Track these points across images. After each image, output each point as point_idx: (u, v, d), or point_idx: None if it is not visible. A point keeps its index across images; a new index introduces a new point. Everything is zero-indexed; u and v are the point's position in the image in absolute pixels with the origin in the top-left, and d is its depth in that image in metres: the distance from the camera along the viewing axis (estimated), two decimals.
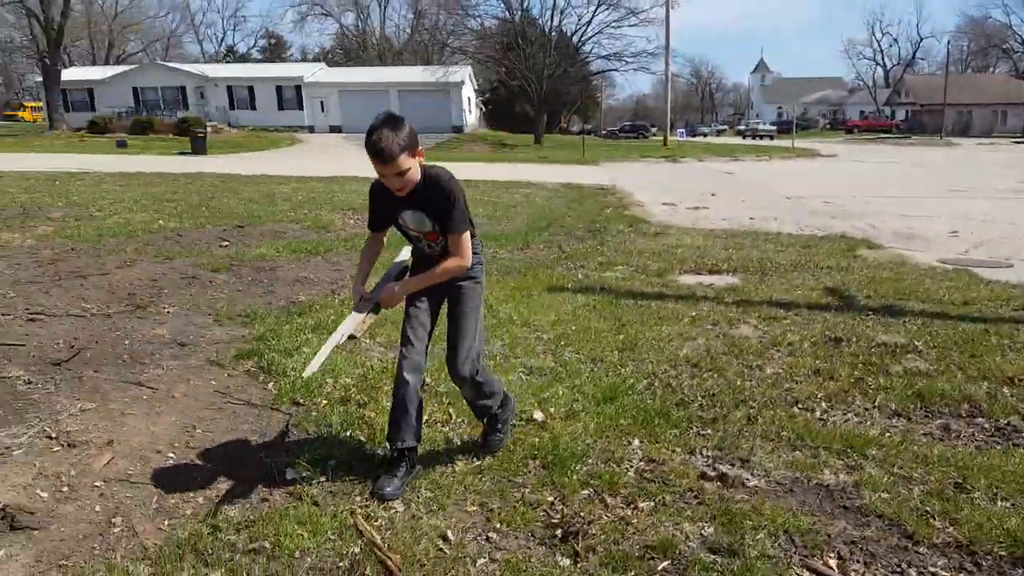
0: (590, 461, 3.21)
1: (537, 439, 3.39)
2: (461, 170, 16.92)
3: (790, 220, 10.98)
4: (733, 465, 3.22)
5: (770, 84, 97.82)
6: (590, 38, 41.89)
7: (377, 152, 2.53)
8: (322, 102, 44.72)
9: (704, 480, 3.09)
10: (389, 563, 2.41)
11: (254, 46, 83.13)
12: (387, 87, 44.88)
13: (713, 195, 14.80)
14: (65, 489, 2.79)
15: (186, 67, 46.56)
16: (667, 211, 12.16)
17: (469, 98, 48.45)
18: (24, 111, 53.95)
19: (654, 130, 54.78)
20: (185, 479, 2.95)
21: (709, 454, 3.32)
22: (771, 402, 3.87)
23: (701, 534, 2.68)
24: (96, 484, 2.84)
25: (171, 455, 3.14)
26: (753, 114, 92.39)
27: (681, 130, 44.25)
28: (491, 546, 2.60)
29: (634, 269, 7.23)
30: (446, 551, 2.52)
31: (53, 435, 3.15)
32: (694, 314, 5.56)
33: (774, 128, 59.82)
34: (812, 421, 3.63)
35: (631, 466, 3.19)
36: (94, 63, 56.29)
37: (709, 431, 3.54)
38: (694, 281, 6.74)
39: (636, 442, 3.43)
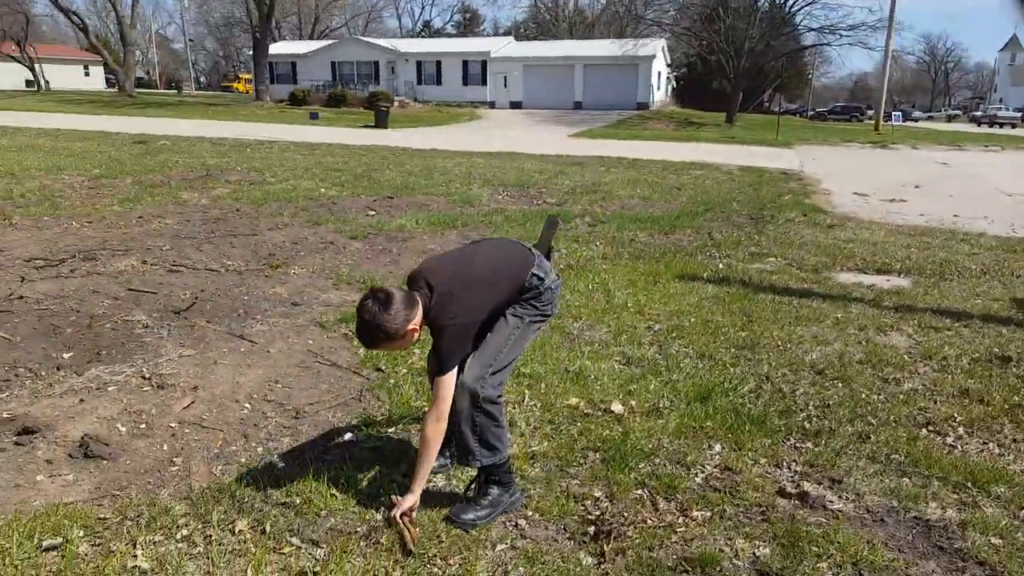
0: (656, 461, 3.08)
1: (607, 431, 3.30)
2: (637, 148, 16.72)
3: (1004, 221, 9.63)
4: (820, 484, 2.94)
5: (1021, 64, 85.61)
6: (802, 8, 39.12)
7: (360, 336, 2.42)
8: (505, 77, 45.87)
9: (780, 496, 2.86)
10: (406, 535, 2.48)
11: (449, 20, 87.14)
12: (572, 62, 45.04)
13: (917, 187, 13.34)
14: (142, 426, 3.16)
15: (380, 42, 49.73)
16: (855, 202, 11.16)
17: (660, 73, 47.33)
18: (238, 83, 60.70)
19: (870, 113, 50.28)
20: (250, 429, 3.22)
21: (797, 469, 3.05)
22: (895, 421, 3.47)
23: (753, 554, 2.49)
24: (171, 425, 3.19)
25: (247, 406, 3.44)
26: (996, 99, 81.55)
27: (896, 113, 39.96)
28: (516, 533, 2.58)
29: (787, 262, 6.74)
30: (469, 531, 2.55)
31: (147, 376, 3.58)
32: (839, 316, 5.09)
33: (1018, 115, 52.44)
34: (937, 447, 3.20)
35: (701, 471, 3.02)
36: (300, 37, 61.96)
37: (808, 445, 3.26)
38: (853, 280, 6.16)
39: (717, 447, 3.23)
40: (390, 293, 2.38)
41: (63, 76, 54.96)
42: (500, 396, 2.60)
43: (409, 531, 2.49)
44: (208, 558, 2.36)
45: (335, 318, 4.66)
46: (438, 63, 47.27)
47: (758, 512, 2.74)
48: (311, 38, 58.64)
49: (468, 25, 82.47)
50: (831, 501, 2.81)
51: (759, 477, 2.97)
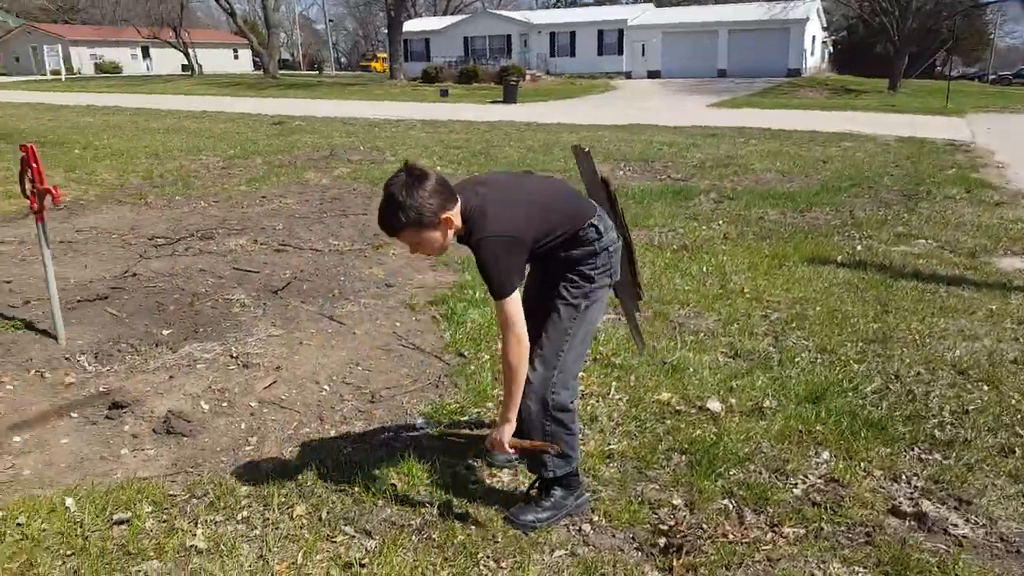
0: (751, 467, 2.85)
1: (698, 432, 3.10)
2: (782, 118, 15.89)
3: None
4: (944, 504, 2.61)
5: None
6: None
7: (379, 219, 2.15)
8: (643, 46, 44.76)
9: (892, 515, 2.56)
10: (533, 446, 2.38)
11: None
12: (716, 27, 43.21)
13: None
14: (224, 404, 3.29)
15: (512, 14, 49.96)
16: None
17: (814, 37, 44.50)
18: (376, 62, 63.00)
19: None
20: (326, 412, 3.28)
21: (918, 484, 2.73)
22: None
23: None
24: (251, 404, 3.30)
25: (326, 387, 3.50)
26: None
27: None
28: (579, 538, 2.46)
29: (939, 245, 6.10)
30: (528, 533, 2.45)
31: (235, 355, 3.74)
32: (994, 307, 4.53)
33: None
34: None
35: (801, 482, 2.77)
36: (435, 14, 63.35)
37: (935, 456, 2.91)
38: (1017, 266, 5.47)
39: (824, 455, 2.95)
40: (427, 172, 2.12)
41: (214, 60, 59.17)
42: (573, 402, 2.46)
43: (530, 445, 2.37)
44: (263, 541, 2.41)
45: (425, 300, 4.68)
46: (572, 34, 46.83)
47: (862, 533, 2.46)
48: (445, 14, 59.84)
49: None
50: (955, 525, 2.48)
51: (869, 492, 2.68)
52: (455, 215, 2.17)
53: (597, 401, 3.39)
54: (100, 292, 4.68)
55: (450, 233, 2.20)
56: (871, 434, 3.06)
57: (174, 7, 48.18)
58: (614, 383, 3.55)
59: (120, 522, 2.50)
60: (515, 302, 2.20)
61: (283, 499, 2.61)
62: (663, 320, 4.41)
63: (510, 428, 2.32)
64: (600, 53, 46.00)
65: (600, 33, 46.10)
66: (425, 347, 3.97)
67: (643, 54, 44.83)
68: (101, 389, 3.43)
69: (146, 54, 59.18)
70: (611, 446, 3.01)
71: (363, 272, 5.25)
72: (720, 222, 6.90)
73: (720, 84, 36.40)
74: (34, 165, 3.71)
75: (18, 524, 2.46)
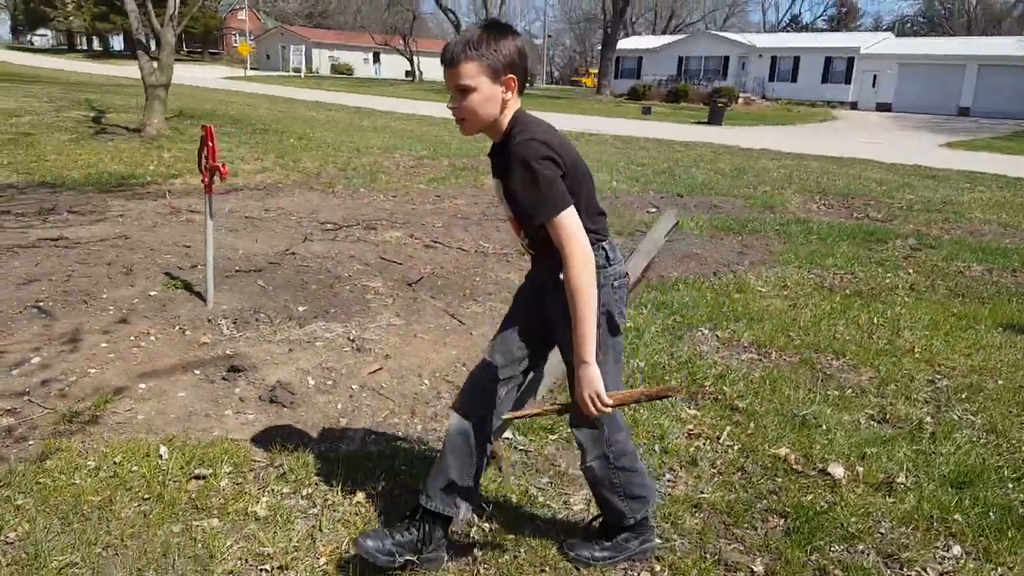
0: (858, 547, 2.51)
1: (809, 496, 2.78)
2: (1014, 165, 13.86)
3: None
4: None
5: None
6: None
7: (444, 49, 1.99)
8: (874, 76, 41.82)
9: None
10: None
11: (820, 14, 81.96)
12: (963, 61, 39.41)
13: None
14: (329, 383, 3.43)
15: (733, 36, 48.62)
16: None
17: None
18: (587, 77, 64.06)
19: None
20: (419, 406, 3.32)
21: None
22: None
23: None
24: (352, 387, 3.41)
25: (426, 382, 3.54)
26: None
27: None
28: None
29: None
30: (579, 569, 2.31)
31: (352, 338, 3.88)
32: None
33: None
34: None
35: (916, 575, 2.38)
36: (653, 33, 63.25)
37: None
38: None
39: (955, 549, 2.53)
40: (518, 34, 2.02)
41: (436, 68, 63.08)
42: (630, 446, 2.28)
43: (640, 393, 2.09)
44: (318, 521, 2.46)
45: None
46: (795, 59, 44.79)
47: None
48: (663, 33, 59.56)
49: (843, 20, 76.76)
50: None
51: None
52: (515, 89, 2.00)
53: (704, 444, 3.14)
54: (258, 265, 5.10)
55: (503, 101, 1.99)
56: (1021, 536, 2.57)
57: (407, 18, 51.99)
58: (728, 427, 3.28)
59: (199, 477, 2.66)
60: (574, 213, 1.95)
61: (349, 484, 2.66)
62: (808, 368, 4.02)
63: (592, 371, 1.94)
64: (824, 80, 43.63)
65: (827, 60, 43.73)
66: None
67: (873, 85, 41.90)
68: (227, 352, 3.70)
69: (376, 59, 64.50)
70: (703, 495, 2.77)
71: (500, 276, 5.29)
72: (909, 271, 6.21)
73: (960, 123, 33.11)
74: (210, 144, 4.09)
75: (114, 462, 2.70)
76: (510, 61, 1.98)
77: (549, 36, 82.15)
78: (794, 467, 3.01)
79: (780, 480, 2.89)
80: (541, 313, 2.22)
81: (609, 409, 1.95)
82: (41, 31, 68.06)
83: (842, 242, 7.19)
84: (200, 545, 2.30)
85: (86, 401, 3.16)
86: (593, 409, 1.95)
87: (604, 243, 2.13)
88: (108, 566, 2.19)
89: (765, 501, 2.75)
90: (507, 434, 3.13)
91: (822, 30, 70.34)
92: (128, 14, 12.18)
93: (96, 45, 65.90)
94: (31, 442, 2.84)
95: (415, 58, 53.92)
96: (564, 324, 2.01)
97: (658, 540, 2.45)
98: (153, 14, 12.05)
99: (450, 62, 1.96)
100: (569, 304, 1.94)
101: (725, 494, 2.78)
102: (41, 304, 4.19)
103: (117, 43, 65.78)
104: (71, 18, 57.86)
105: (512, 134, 1.99)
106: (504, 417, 2.18)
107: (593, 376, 1.93)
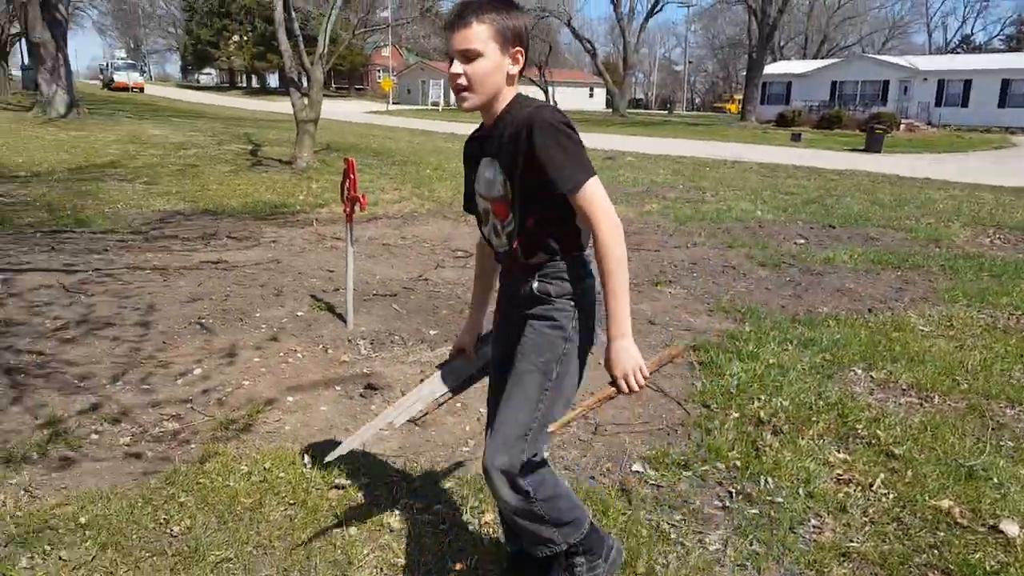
0: None
1: (978, 554, 2.60)
2: None
3: None
4: None
5: None
6: None
7: (452, 11, 1.94)
8: None
9: None
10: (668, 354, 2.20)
11: (996, 34, 76.60)
12: None
13: None
14: (458, 405, 3.56)
15: (893, 59, 46.30)
16: None
17: None
18: (731, 103, 62.88)
19: None
20: None
21: None
22: None
23: None
24: (480, 409, 3.51)
25: None
26: None
27: None
28: None
29: None
30: None
31: None
32: None
33: None
34: None
35: None
36: (804, 57, 61.33)
37: None
38: None
39: None
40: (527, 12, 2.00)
41: (571, 98, 63.89)
42: (537, 455, 1.97)
43: (668, 355, 2.11)
44: (447, 537, 2.57)
45: (685, 343, 4.56)
46: (966, 82, 42.01)
47: None
48: (815, 57, 57.67)
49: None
50: None
51: None
52: (521, 64, 1.97)
53: (855, 490, 3.01)
54: (393, 290, 5.42)
55: (508, 76, 1.96)
56: None
57: (543, 49, 53.22)
58: (883, 474, 3.12)
59: (338, 487, 2.84)
60: (597, 182, 1.88)
61: (476, 503, 2.75)
62: (977, 415, 3.75)
63: (634, 346, 1.89)
64: (1002, 105, 40.60)
65: (1005, 83, 40.71)
66: (670, 391, 3.88)
67: None
68: (365, 371, 3.94)
69: None
70: (853, 544, 2.65)
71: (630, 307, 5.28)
72: None
73: None
74: (351, 176, 4.39)
75: (264, 468, 2.94)
76: (519, 32, 1.94)
77: (690, 62, 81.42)
78: (959, 521, 2.82)
79: (942, 534, 2.73)
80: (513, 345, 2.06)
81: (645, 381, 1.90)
82: (207, 70, 74.89)
83: (1020, 280, 6.66)
84: (340, 551, 2.45)
85: (240, 410, 3.46)
86: (636, 385, 1.90)
87: (587, 253, 2.02)
88: (259, 564, 2.38)
89: (925, 555, 2.60)
90: (636, 467, 3.12)
91: (999, 50, 65.66)
92: (282, 53, 13.22)
93: (254, 82, 71.74)
94: (193, 446, 3.14)
95: (550, 88, 54.92)
96: (521, 356, 1.99)
97: (621, 544, 2.32)
98: (304, 53, 12.99)
99: (459, 22, 1.90)
100: (601, 278, 1.90)
101: (878, 544, 2.65)
102: (203, 321, 4.62)
103: (272, 80, 71.37)
104: (233, 58, 63.39)
105: (515, 108, 1.97)
106: (550, 429, 1.97)
107: (632, 351, 1.88)
